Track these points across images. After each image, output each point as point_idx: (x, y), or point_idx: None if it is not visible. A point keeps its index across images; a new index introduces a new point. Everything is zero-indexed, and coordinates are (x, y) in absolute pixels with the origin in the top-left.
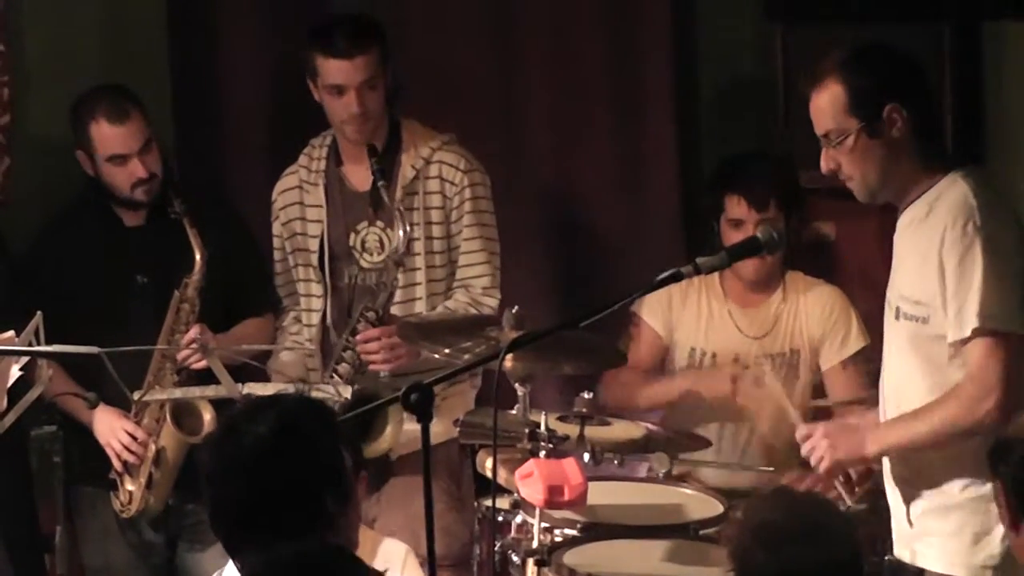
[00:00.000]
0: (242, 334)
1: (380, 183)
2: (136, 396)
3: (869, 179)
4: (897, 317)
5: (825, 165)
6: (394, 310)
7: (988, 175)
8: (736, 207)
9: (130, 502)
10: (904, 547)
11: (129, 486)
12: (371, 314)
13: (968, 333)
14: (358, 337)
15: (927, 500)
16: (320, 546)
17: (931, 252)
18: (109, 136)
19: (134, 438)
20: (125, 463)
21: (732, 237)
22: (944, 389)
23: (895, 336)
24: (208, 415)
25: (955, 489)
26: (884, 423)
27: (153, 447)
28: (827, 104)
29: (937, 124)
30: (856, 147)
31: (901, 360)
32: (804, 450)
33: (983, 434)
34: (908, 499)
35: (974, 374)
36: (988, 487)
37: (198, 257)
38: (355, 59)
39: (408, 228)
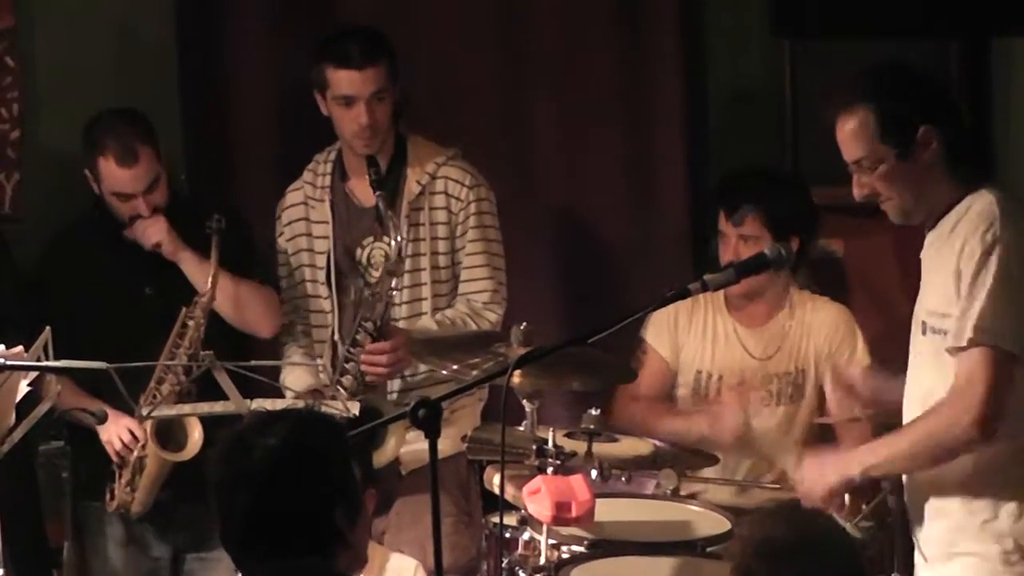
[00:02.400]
0: (249, 286)
1: (377, 193)
2: (144, 412)
3: (904, 201)
4: (924, 332)
5: (858, 192)
6: (400, 326)
7: (1013, 191)
8: (720, 220)
9: (112, 499)
10: (930, 571)
11: (121, 479)
12: (368, 324)
13: (964, 343)
14: (366, 352)
15: (954, 522)
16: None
17: (951, 262)
18: (115, 175)
19: (135, 438)
20: (121, 458)
21: (722, 250)
22: None
23: (922, 351)
24: (196, 434)
25: (986, 510)
26: (870, 443)
27: (135, 453)
28: (857, 131)
29: (970, 142)
30: (889, 173)
31: (929, 375)
32: (800, 493)
33: (962, 451)
34: (932, 522)
35: (959, 387)
36: (1021, 504)
37: (211, 278)
38: (366, 70)
39: (402, 237)
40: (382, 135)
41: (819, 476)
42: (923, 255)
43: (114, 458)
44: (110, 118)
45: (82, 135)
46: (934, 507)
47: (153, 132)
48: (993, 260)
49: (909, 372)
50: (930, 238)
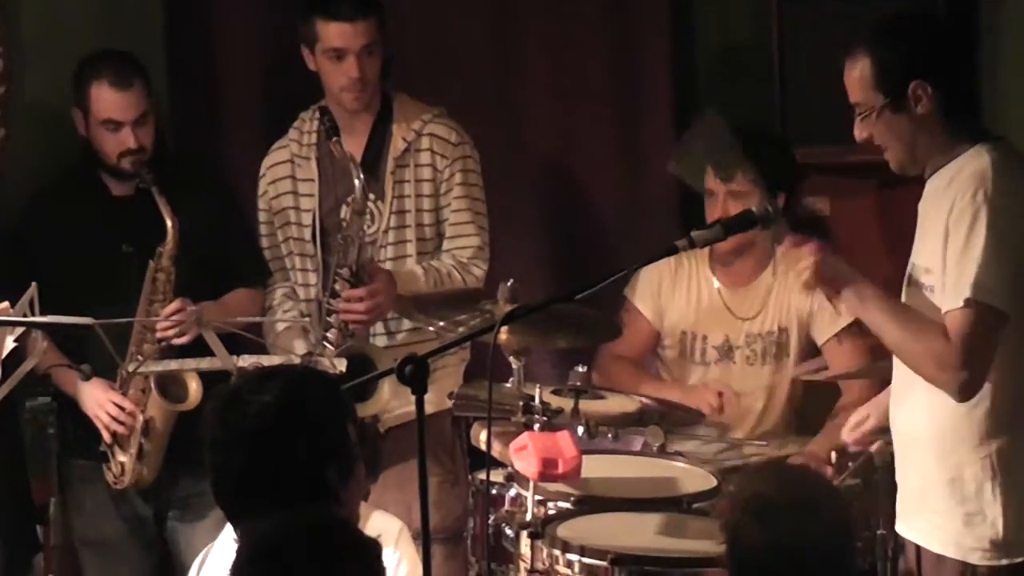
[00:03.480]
0: (234, 302)
1: (334, 139)
2: (130, 368)
3: (897, 152)
4: (911, 283)
5: (858, 134)
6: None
7: (1013, 148)
8: (709, 178)
9: (122, 474)
10: (903, 521)
11: (120, 458)
12: (344, 271)
13: (960, 303)
14: (342, 300)
15: (924, 477)
16: (328, 516)
17: (940, 221)
18: (108, 100)
19: (121, 409)
20: (115, 435)
21: (709, 208)
22: None
23: (911, 302)
24: (194, 384)
25: (953, 468)
26: (879, 293)
27: (141, 418)
28: (857, 77)
29: (969, 98)
30: (880, 122)
31: None
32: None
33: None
34: (907, 475)
35: (954, 343)
36: (986, 468)
37: (169, 226)
38: (357, 23)
39: (363, 177)
40: (371, 90)
41: (816, 268)
42: (920, 205)
43: (106, 436)
44: (103, 51)
45: (74, 71)
46: (911, 460)
47: (145, 70)
48: (982, 221)
49: None
50: (928, 190)
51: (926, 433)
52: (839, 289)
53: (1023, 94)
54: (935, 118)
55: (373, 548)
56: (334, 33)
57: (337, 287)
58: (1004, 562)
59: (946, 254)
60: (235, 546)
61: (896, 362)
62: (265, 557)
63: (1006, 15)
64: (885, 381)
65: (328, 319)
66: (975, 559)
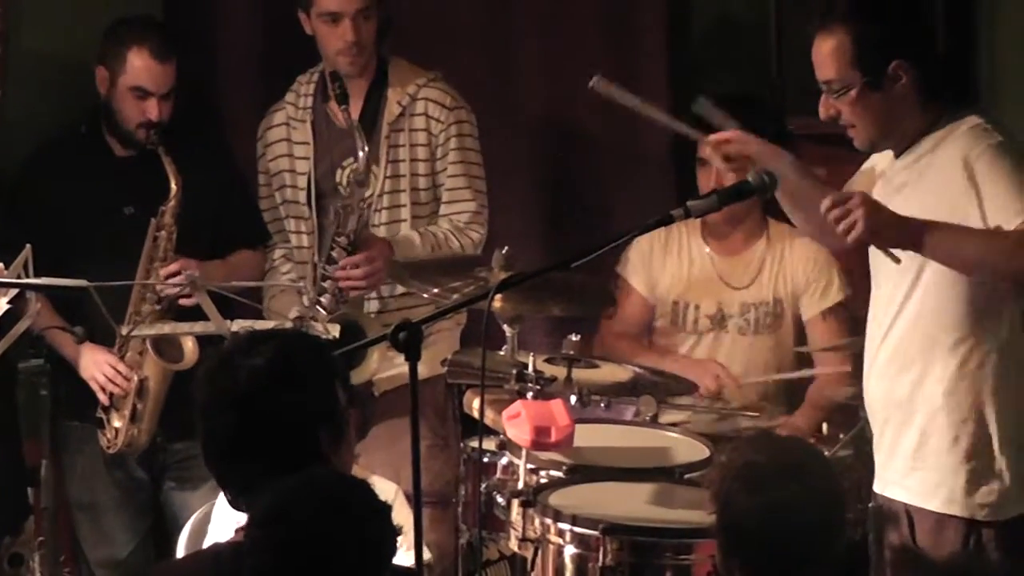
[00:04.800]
0: (236, 262)
1: (342, 107)
2: (124, 331)
3: (869, 130)
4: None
5: (824, 112)
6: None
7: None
8: (701, 146)
9: (116, 437)
10: (893, 485)
11: (116, 422)
12: (342, 239)
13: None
14: (340, 266)
15: (924, 439)
16: (341, 476)
17: (955, 169)
18: (146, 69)
19: (118, 372)
20: (111, 397)
21: (701, 178)
22: (975, 303)
23: (903, 270)
24: (190, 343)
25: (956, 427)
26: (934, 223)
27: (136, 378)
28: (831, 52)
29: (944, 78)
30: (857, 100)
31: (923, 286)
32: (831, 216)
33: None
34: (901, 435)
35: None
36: (990, 425)
37: (173, 185)
38: None
39: (366, 147)
40: (367, 54)
41: (864, 215)
42: (894, 179)
43: (102, 397)
44: (147, 18)
45: (108, 32)
46: (909, 425)
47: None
48: (1009, 155)
49: (877, 292)
50: (903, 161)
51: (929, 394)
52: (908, 235)
53: (1021, 70)
54: (912, 97)
55: (384, 508)
56: None
57: (335, 254)
58: (1012, 515)
59: (982, 194)
60: (229, 510)
61: (881, 335)
62: (278, 519)
63: None
64: (856, 356)
65: (323, 284)
66: (982, 515)
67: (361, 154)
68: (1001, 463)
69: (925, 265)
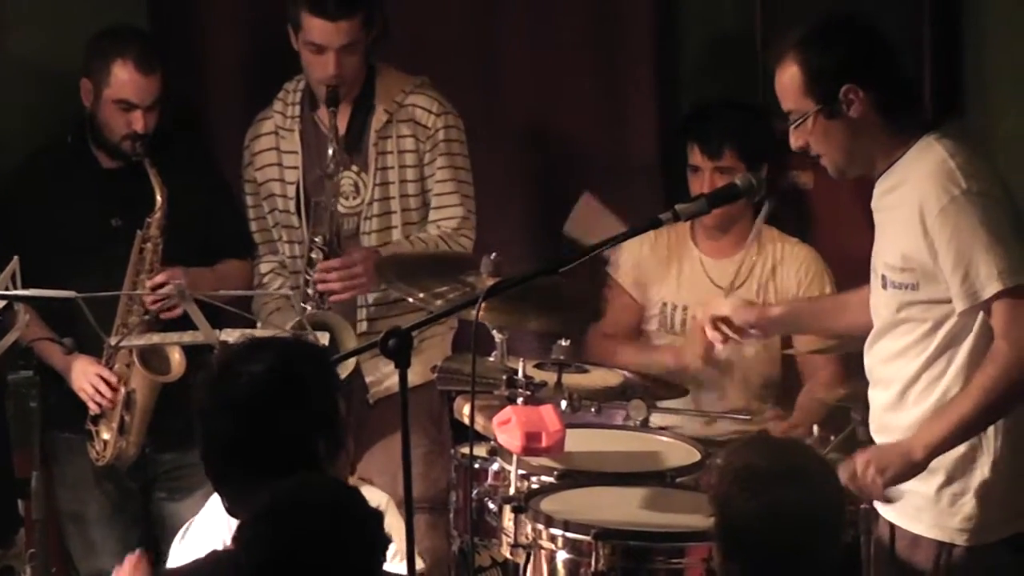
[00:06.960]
0: (224, 272)
1: (331, 109)
2: (112, 342)
3: (835, 157)
4: (884, 286)
5: (794, 143)
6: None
7: (963, 130)
8: (693, 154)
9: (105, 450)
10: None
11: (104, 434)
12: (319, 239)
13: (989, 295)
14: (317, 269)
15: None
16: (333, 482)
17: (913, 219)
18: (130, 81)
19: (107, 383)
20: (100, 407)
21: (693, 184)
22: (934, 354)
23: (883, 304)
24: (177, 355)
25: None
26: (924, 422)
27: (123, 390)
28: (787, 84)
29: (906, 95)
30: (816, 129)
31: (891, 326)
32: (852, 487)
33: None
34: None
35: (1007, 332)
36: (971, 449)
37: (159, 196)
38: (339, 23)
39: (336, 144)
40: (350, 83)
41: (876, 474)
42: (874, 205)
43: (92, 407)
44: (128, 29)
45: (91, 44)
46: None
47: (165, 62)
48: (971, 215)
49: (875, 327)
50: (879, 190)
51: (909, 422)
52: (911, 468)
53: (1007, 68)
54: (872, 119)
55: (376, 515)
56: (315, 28)
57: (313, 255)
58: (991, 540)
59: (938, 258)
60: (220, 515)
61: (868, 360)
62: (271, 518)
63: None
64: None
65: (306, 290)
66: (961, 540)
67: (330, 148)
68: (980, 488)
69: (887, 302)
